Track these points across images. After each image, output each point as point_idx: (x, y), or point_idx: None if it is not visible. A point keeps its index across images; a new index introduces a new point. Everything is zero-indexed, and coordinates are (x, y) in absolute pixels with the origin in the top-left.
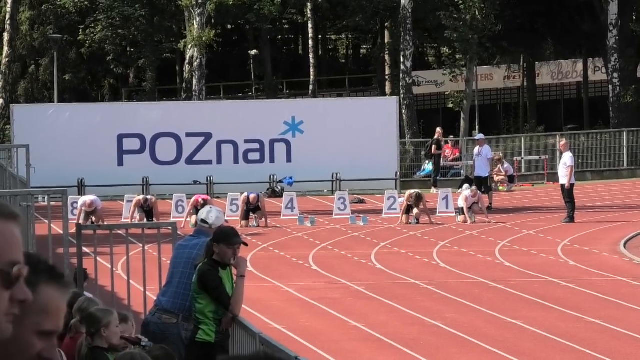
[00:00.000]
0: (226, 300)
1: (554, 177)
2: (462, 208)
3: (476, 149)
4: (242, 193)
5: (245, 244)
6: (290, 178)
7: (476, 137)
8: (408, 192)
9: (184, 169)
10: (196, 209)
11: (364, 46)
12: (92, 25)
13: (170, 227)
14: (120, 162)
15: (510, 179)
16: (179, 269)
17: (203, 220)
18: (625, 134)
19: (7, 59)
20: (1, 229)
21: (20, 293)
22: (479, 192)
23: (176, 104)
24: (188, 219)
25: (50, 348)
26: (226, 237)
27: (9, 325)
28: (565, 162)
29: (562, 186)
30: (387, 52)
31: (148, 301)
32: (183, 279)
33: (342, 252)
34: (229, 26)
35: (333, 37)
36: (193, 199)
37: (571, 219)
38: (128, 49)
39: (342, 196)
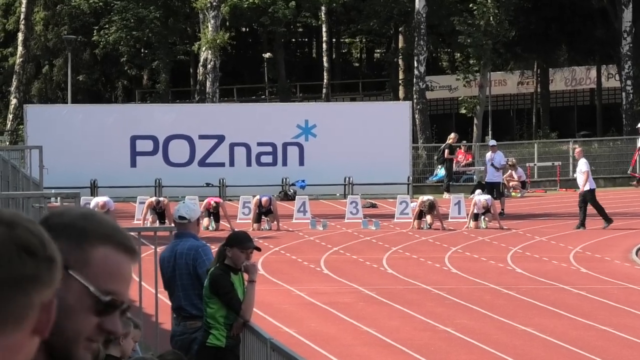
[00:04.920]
0: (237, 305)
1: (566, 184)
2: (473, 213)
3: (488, 155)
4: (254, 196)
5: (259, 249)
6: (303, 181)
7: (489, 144)
8: (421, 198)
9: (197, 171)
10: (208, 211)
11: (378, 50)
12: (107, 26)
13: None
14: (133, 164)
15: (522, 185)
16: (182, 280)
17: (181, 217)
18: (638, 141)
19: (21, 59)
20: (110, 256)
21: (109, 323)
22: (491, 198)
23: (189, 106)
24: (200, 222)
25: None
26: (240, 241)
27: (86, 353)
28: (581, 169)
29: (584, 193)
30: (400, 57)
31: (160, 304)
32: (190, 289)
33: (354, 256)
34: (243, 29)
35: (347, 40)
36: (205, 201)
37: (582, 224)
38: (142, 51)
39: (354, 200)
